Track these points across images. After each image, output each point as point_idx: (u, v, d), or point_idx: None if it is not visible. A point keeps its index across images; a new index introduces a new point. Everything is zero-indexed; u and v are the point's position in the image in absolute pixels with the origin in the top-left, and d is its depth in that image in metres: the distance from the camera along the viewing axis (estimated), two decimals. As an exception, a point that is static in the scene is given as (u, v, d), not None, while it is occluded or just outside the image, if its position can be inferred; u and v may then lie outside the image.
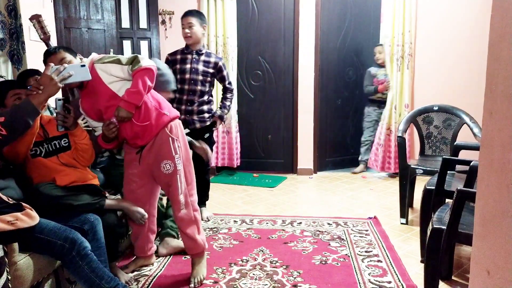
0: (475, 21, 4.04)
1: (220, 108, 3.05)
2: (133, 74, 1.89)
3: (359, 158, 4.62)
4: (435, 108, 3.28)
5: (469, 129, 3.03)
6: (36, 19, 2.60)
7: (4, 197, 1.56)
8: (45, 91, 1.65)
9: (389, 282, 2.11)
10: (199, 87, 2.87)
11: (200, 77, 2.87)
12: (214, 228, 2.92)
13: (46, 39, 2.66)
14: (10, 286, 1.43)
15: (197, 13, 2.90)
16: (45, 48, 2.47)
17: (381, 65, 4.37)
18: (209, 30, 4.31)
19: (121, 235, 2.22)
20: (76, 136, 2.05)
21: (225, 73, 2.97)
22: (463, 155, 2.78)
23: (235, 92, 4.39)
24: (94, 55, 1.98)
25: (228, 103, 3.05)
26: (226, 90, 3.05)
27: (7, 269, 1.44)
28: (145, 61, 1.91)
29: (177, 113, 2.12)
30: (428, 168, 2.86)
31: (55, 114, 2.57)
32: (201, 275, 2.11)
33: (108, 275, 1.75)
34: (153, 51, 4.22)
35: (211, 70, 2.91)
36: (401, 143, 3.02)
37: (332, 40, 4.51)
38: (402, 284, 2.08)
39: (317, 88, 4.43)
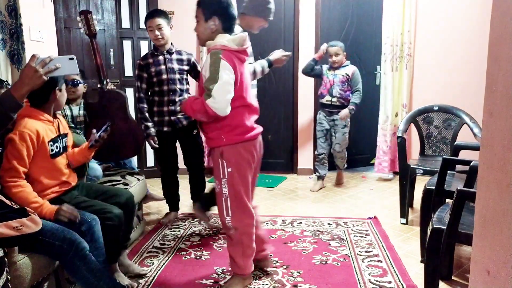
0: (475, 21, 4.04)
1: None
2: (199, 93, 1.95)
3: (316, 174, 4.01)
4: (435, 108, 3.28)
5: (469, 129, 3.03)
6: (85, 15, 2.72)
7: (8, 202, 1.55)
8: (28, 83, 1.56)
9: (389, 282, 2.11)
10: (178, 86, 2.85)
11: (178, 76, 2.86)
12: (214, 228, 2.92)
13: (91, 35, 2.73)
14: (10, 286, 1.42)
15: (163, 14, 2.85)
16: (44, 48, 2.47)
17: (336, 68, 3.81)
18: (209, 30, 4.31)
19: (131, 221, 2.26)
20: (92, 152, 2.12)
21: (199, 68, 2.95)
22: (463, 155, 2.78)
23: None
24: (220, 42, 1.88)
25: None
26: None
27: (7, 269, 1.43)
28: (211, 100, 1.79)
29: (240, 139, 1.96)
30: (428, 168, 2.86)
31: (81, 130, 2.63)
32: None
33: (106, 275, 1.75)
34: (153, 51, 4.21)
35: (185, 68, 2.90)
36: (401, 143, 3.02)
37: (332, 40, 4.50)
38: (402, 284, 2.08)
39: (317, 88, 4.42)
